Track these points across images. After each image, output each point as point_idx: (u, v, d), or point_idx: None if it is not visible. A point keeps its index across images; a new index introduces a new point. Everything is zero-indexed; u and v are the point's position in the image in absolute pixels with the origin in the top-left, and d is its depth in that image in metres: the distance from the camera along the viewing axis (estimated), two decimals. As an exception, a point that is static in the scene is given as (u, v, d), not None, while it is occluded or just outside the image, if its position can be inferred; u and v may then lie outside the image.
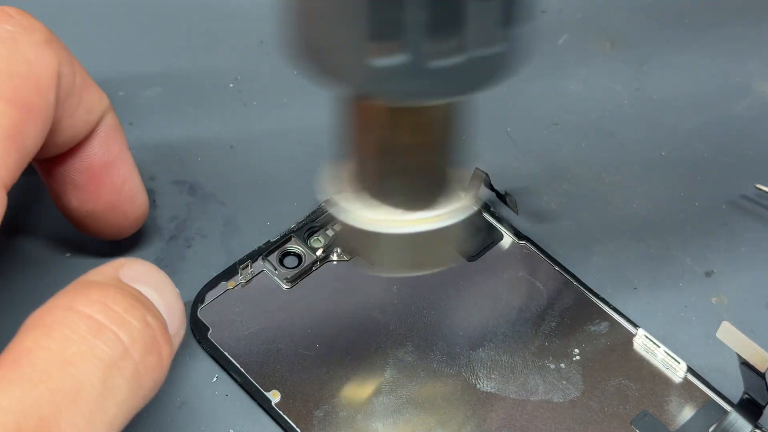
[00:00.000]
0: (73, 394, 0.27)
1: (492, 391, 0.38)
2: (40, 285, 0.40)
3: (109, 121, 0.37)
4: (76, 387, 0.27)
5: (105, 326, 0.29)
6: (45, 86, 0.33)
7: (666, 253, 0.42)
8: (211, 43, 0.48)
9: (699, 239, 0.43)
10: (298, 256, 0.41)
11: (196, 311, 0.39)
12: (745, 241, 0.43)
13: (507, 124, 0.46)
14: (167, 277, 0.33)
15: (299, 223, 0.42)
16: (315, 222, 0.41)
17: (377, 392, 0.37)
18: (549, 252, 0.41)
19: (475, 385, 0.38)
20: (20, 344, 0.28)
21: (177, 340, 0.33)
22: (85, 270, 0.40)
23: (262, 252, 0.41)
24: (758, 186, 0.44)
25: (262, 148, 0.45)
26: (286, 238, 0.41)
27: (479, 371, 0.38)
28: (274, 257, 0.40)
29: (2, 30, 0.33)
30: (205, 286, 0.40)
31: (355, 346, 0.38)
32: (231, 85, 0.47)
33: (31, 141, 0.32)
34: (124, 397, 0.29)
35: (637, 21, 0.50)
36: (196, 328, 0.39)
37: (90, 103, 0.36)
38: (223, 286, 0.40)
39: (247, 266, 0.40)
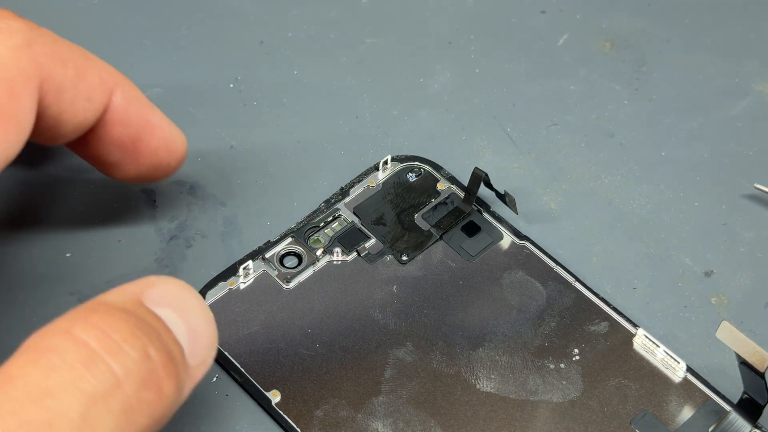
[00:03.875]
0: (45, 427, 0.26)
1: (492, 391, 0.38)
2: (40, 284, 0.40)
3: (120, 98, 0.36)
4: (50, 420, 0.26)
5: (97, 355, 0.27)
6: (18, 90, 0.32)
7: (666, 253, 0.42)
8: (211, 43, 0.48)
9: (699, 239, 0.43)
10: (298, 256, 0.41)
11: (196, 311, 0.39)
12: (744, 241, 0.43)
13: (507, 124, 0.46)
14: (199, 299, 0.31)
15: (299, 223, 0.42)
16: (315, 222, 0.42)
17: (377, 392, 0.37)
18: (549, 252, 0.41)
19: (475, 384, 0.38)
20: (7, 371, 0.27)
21: (201, 369, 0.31)
22: (83, 269, 0.40)
23: (262, 252, 0.41)
24: (758, 186, 0.44)
25: (262, 148, 0.45)
26: (286, 238, 0.41)
27: (479, 371, 0.38)
28: (274, 257, 0.41)
29: None
30: (205, 286, 0.40)
31: (355, 346, 0.38)
32: (231, 85, 0.47)
33: (2, 147, 0.32)
34: None
35: (637, 21, 0.50)
36: (196, 328, 0.39)
37: (89, 91, 0.35)
38: (223, 286, 0.40)
39: (247, 266, 0.40)
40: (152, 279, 0.30)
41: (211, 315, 0.31)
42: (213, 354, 0.31)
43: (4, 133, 0.32)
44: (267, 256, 0.40)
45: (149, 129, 0.38)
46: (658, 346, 0.39)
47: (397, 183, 0.43)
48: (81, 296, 0.40)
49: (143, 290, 0.30)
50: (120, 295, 0.30)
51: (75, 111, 0.35)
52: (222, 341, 0.38)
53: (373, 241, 0.41)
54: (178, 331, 0.30)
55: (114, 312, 0.28)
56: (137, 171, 0.38)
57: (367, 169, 0.43)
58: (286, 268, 0.40)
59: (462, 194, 0.43)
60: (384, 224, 0.42)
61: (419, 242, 0.41)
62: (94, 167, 0.39)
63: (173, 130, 0.39)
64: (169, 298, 0.30)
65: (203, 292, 0.39)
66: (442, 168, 0.44)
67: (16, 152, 0.32)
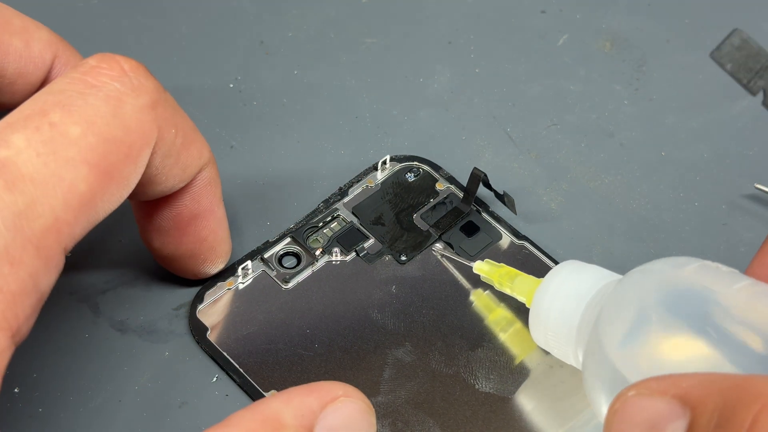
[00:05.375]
0: None
1: (491, 391, 0.38)
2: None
3: (206, 175, 0.36)
4: None
5: None
6: (135, 154, 0.32)
7: (666, 253, 0.42)
8: (211, 43, 0.48)
9: (699, 239, 0.43)
10: (297, 257, 0.41)
11: (195, 311, 0.39)
12: (745, 241, 0.43)
13: (507, 124, 0.46)
14: (372, 426, 0.31)
15: (298, 223, 0.42)
16: (314, 222, 0.42)
17: (376, 392, 0.37)
18: (548, 252, 0.41)
19: (474, 385, 0.38)
20: None
21: None
22: (83, 269, 0.40)
23: (261, 252, 0.41)
24: (758, 186, 0.44)
25: (262, 148, 0.45)
26: (284, 239, 0.41)
27: (478, 371, 0.38)
28: (272, 257, 0.41)
29: (111, 88, 0.32)
30: (204, 286, 0.40)
31: (353, 346, 0.38)
32: (231, 85, 0.47)
33: (105, 206, 0.32)
34: None
35: (637, 21, 0.50)
36: (195, 329, 0.39)
37: (187, 161, 0.35)
38: (222, 286, 0.40)
39: (246, 266, 0.40)
40: (336, 390, 0.30)
41: None
42: None
43: (110, 194, 0.32)
44: (266, 256, 0.41)
45: (209, 216, 0.37)
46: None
47: (395, 183, 0.43)
48: (80, 296, 0.40)
49: (322, 407, 0.30)
50: (296, 416, 0.29)
51: (168, 177, 0.35)
52: (221, 341, 0.38)
53: (371, 241, 0.41)
54: None
55: None
56: (174, 249, 0.38)
57: (366, 169, 0.43)
58: (285, 268, 0.40)
59: (461, 194, 0.43)
60: (383, 224, 0.42)
61: (418, 242, 0.41)
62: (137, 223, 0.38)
63: (227, 236, 0.39)
64: (341, 427, 0.30)
65: (202, 293, 0.39)
66: (440, 168, 0.44)
67: (116, 207, 0.32)
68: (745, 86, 0.32)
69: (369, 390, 0.37)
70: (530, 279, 0.38)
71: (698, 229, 0.43)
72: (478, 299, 0.40)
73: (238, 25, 0.49)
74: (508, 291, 0.38)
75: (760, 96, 0.32)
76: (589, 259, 0.42)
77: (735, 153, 0.46)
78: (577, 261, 0.37)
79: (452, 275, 0.40)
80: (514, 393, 0.37)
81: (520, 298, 0.38)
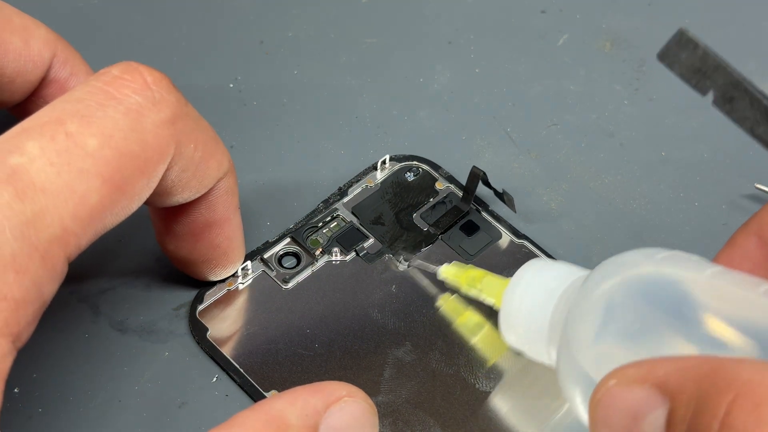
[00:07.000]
0: None
1: (491, 390, 0.38)
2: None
3: (223, 185, 0.36)
4: None
5: None
6: (150, 170, 0.32)
7: (666, 253, 0.42)
8: (211, 42, 0.49)
9: (699, 239, 0.43)
10: (297, 257, 0.41)
11: (195, 312, 0.39)
12: (744, 241, 0.43)
13: (507, 124, 0.46)
14: (374, 426, 0.31)
15: (298, 223, 0.42)
16: (313, 222, 0.42)
17: (376, 392, 0.37)
18: (548, 251, 0.41)
19: (474, 384, 0.38)
20: None
21: None
22: (83, 269, 0.40)
23: (261, 252, 0.41)
24: (758, 186, 0.44)
25: (261, 148, 0.45)
26: (284, 239, 0.41)
27: (478, 371, 0.38)
28: (272, 258, 0.41)
29: (132, 101, 0.32)
30: (204, 286, 0.40)
31: (353, 345, 0.38)
32: (231, 85, 0.47)
33: (114, 218, 0.31)
34: None
35: (637, 21, 0.50)
36: (195, 329, 0.39)
37: (205, 174, 0.35)
38: (222, 286, 0.40)
39: (245, 267, 0.40)
40: (340, 391, 0.30)
41: None
42: None
43: (120, 207, 0.31)
44: (265, 256, 0.41)
45: (224, 224, 0.37)
46: (657, 346, 0.39)
47: (395, 182, 0.43)
48: (80, 296, 0.40)
49: (326, 407, 0.30)
50: (301, 416, 0.29)
51: (185, 189, 0.35)
52: (221, 342, 0.38)
53: (371, 240, 0.41)
54: None
55: None
56: (188, 253, 0.38)
57: (365, 169, 0.43)
58: (285, 268, 0.40)
59: (460, 193, 0.43)
60: (382, 224, 0.42)
61: (418, 242, 0.41)
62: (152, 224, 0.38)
63: (241, 242, 0.39)
64: (345, 427, 0.30)
65: (202, 293, 0.39)
66: (440, 167, 0.44)
67: (124, 219, 0.32)
68: (694, 87, 0.32)
69: (369, 390, 0.37)
70: (498, 280, 0.37)
71: (698, 229, 0.43)
72: (446, 303, 0.39)
73: (238, 25, 0.49)
74: (475, 294, 0.38)
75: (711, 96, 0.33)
76: (589, 259, 0.42)
77: (735, 153, 0.46)
78: (543, 258, 0.36)
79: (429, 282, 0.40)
80: (513, 392, 0.37)
81: (489, 301, 0.37)
